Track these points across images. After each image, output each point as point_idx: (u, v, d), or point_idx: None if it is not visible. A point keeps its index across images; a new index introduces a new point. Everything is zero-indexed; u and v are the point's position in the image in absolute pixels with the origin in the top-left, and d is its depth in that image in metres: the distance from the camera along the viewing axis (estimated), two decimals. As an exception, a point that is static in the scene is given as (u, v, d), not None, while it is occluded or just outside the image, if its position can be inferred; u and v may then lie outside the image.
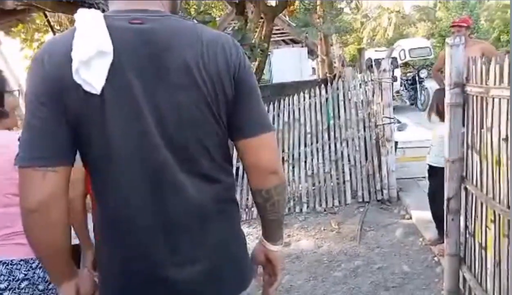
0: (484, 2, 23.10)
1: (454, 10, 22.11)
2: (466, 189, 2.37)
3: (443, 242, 2.79)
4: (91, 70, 0.87)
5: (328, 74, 7.28)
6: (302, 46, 12.66)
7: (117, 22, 0.92)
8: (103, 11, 0.98)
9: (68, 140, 0.91)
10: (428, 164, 3.38)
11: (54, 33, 5.28)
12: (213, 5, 12.72)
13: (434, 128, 3.36)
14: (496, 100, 1.92)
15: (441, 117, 3.04)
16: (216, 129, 0.98)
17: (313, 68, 14.30)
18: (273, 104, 5.03)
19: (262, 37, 5.52)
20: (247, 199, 4.90)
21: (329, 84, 5.23)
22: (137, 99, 0.91)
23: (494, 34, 16.46)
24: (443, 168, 2.66)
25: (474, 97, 2.19)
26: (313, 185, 4.89)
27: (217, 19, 10.76)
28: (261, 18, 5.66)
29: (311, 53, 12.65)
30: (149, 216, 0.95)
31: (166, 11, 1.00)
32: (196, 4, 5.21)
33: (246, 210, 4.87)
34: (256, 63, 5.72)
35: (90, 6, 3.05)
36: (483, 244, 2.16)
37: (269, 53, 10.89)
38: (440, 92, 3.23)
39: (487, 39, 16.56)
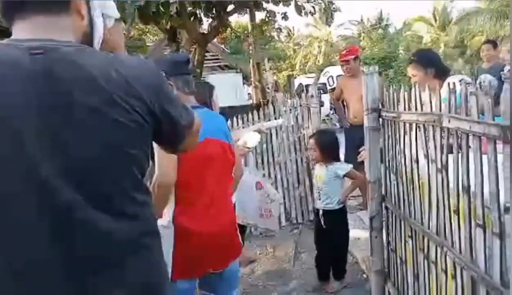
0: (402, 33, 25.34)
1: (376, 40, 23.97)
2: (386, 207, 2.52)
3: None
4: None
5: (261, 100, 7.46)
6: (237, 72, 12.92)
7: (14, 52, 0.86)
8: None
9: None
10: (319, 209, 3.13)
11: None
12: (147, 30, 12.61)
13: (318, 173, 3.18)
14: (407, 124, 2.09)
15: (324, 159, 3.06)
16: (131, 164, 0.95)
17: (249, 93, 14.61)
18: (207, 129, 5.02)
19: (195, 63, 5.55)
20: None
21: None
22: (32, 139, 0.84)
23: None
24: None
25: (389, 122, 2.36)
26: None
27: (150, 44, 10.67)
28: (194, 44, 5.71)
29: (246, 79, 12.95)
30: (48, 261, 0.87)
31: (77, 41, 0.95)
32: (126, 29, 5.11)
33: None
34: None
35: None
36: (403, 258, 2.30)
37: (203, 78, 10.92)
38: (322, 133, 3.36)
39: (405, 67, 18.10)
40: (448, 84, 1.60)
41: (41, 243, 0.86)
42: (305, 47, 29.11)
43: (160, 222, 1.47)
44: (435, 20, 23.38)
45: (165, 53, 5.33)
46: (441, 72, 2.60)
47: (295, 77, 17.71)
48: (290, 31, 30.51)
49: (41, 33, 0.90)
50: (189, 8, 4.88)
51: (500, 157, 1.29)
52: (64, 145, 0.86)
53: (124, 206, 0.95)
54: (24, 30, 0.91)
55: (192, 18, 5.33)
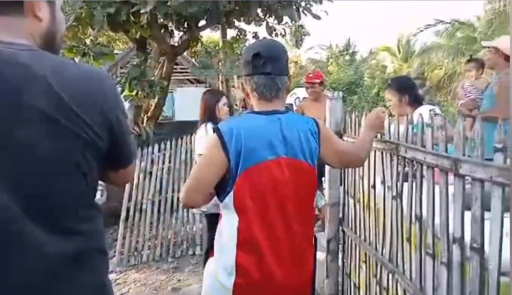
0: (367, 61, 26.33)
1: (343, 65, 24.72)
2: (343, 231, 2.54)
3: None
4: None
5: (229, 116, 7.45)
6: (206, 86, 12.88)
7: None
8: None
9: None
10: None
11: None
12: (116, 38, 12.38)
13: None
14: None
15: None
16: (78, 177, 0.90)
17: (217, 109, 14.55)
18: (171, 142, 4.94)
19: (163, 75, 5.49)
20: (137, 241, 4.63)
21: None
22: None
23: (374, 89, 18.77)
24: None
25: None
26: (208, 226, 4.83)
27: (119, 53, 10.48)
28: (163, 56, 5.65)
29: (215, 94, 12.92)
30: None
31: (34, 43, 0.91)
32: (93, 36, 5.00)
33: (136, 253, 4.59)
34: (155, 100, 5.63)
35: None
36: (357, 284, 2.32)
37: (171, 90, 10.80)
38: None
39: (369, 94, 18.76)
40: (406, 115, 1.65)
41: None
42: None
43: None
44: (399, 51, 24.48)
45: (133, 63, 5.23)
46: (415, 100, 2.65)
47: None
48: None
49: None
50: (160, 20, 4.85)
51: (450, 188, 1.34)
52: (9, 148, 0.81)
53: (67, 223, 0.89)
54: None
55: (163, 30, 5.29)
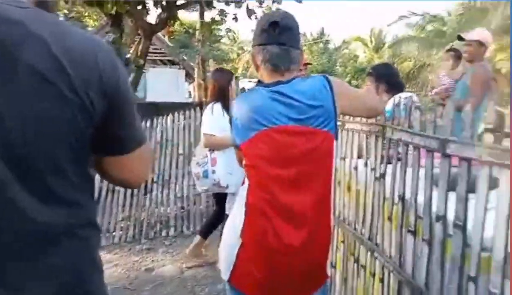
0: (340, 50, 26.67)
1: (317, 53, 24.96)
2: (322, 212, 2.60)
3: None
4: None
5: (203, 98, 7.38)
6: (180, 68, 12.66)
7: None
8: None
9: None
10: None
11: None
12: (87, 14, 11.91)
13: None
14: (350, 133, 2.18)
15: None
16: (74, 144, 0.86)
17: (189, 92, 14.37)
18: (145, 123, 4.85)
19: (138, 53, 5.33)
20: (109, 223, 4.56)
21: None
22: None
23: (347, 78, 19.11)
24: None
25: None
26: (182, 208, 4.81)
27: (91, 29, 10.10)
28: (139, 34, 5.48)
29: (189, 76, 12.73)
30: None
31: (28, 1, 0.87)
32: (67, 9, 4.78)
33: (107, 234, 4.51)
34: (130, 78, 5.48)
35: None
36: (334, 263, 2.39)
37: (144, 70, 10.54)
38: None
39: (342, 83, 19.03)
40: (394, 98, 1.70)
41: None
42: (249, 52, 29.42)
43: None
44: (371, 41, 24.92)
45: (108, 39, 5.04)
46: (393, 88, 2.69)
47: (238, 80, 17.88)
48: (235, 34, 30.68)
49: None
50: (138, -6, 4.70)
51: (436, 170, 1.40)
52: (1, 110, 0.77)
53: (59, 190, 0.87)
54: None
55: (140, 6, 5.13)
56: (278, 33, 1.37)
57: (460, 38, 3.53)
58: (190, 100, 12.27)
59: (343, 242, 2.28)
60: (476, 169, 1.16)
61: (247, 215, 1.41)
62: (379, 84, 2.70)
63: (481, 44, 3.28)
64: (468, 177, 1.19)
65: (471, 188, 1.20)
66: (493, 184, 1.10)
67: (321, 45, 27.50)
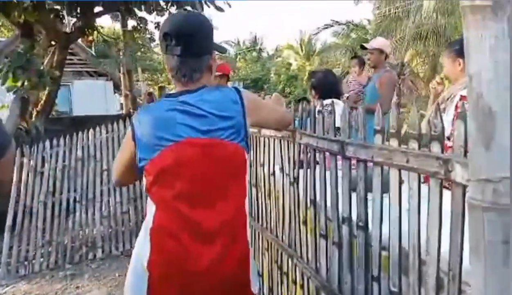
0: (273, 58, 27.24)
1: (251, 61, 25.26)
2: (247, 221, 2.56)
3: None
4: None
5: (132, 110, 7.10)
6: (107, 80, 12.13)
7: None
8: None
9: None
10: None
11: None
12: (0, 24, 11.03)
13: None
14: (267, 139, 2.17)
15: None
16: None
17: (121, 103, 13.83)
18: (64, 139, 4.52)
19: (53, 64, 4.98)
20: (27, 250, 4.17)
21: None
22: None
23: (280, 86, 19.55)
24: None
25: (252, 136, 2.42)
26: (110, 227, 4.53)
27: (2, 40, 9.32)
28: (52, 44, 5.13)
29: (117, 87, 12.24)
30: None
31: None
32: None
33: (26, 263, 4.12)
34: (46, 92, 5.10)
35: None
36: (260, 272, 2.35)
37: (68, 83, 9.95)
38: None
39: (275, 90, 19.48)
40: (303, 103, 1.70)
41: None
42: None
43: None
44: (302, 49, 25.75)
45: (18, 50, 4.64)
46: (326, 94, 2.72)
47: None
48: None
49: None
50: (49, 3, 4.37)
51: (340, 173, 1.41)
52: None
53: None
54: None
55: (52, 15, 4.79)
56: (174, 44, 1.29)
57: (362, 47, 3.84)
58: (121, 112, 11.79)
59: (267, 250, 2.25)
60: (371, 169, 1.18)
61: (153, 242, 1.28)
62: (312, 91, 2.86)
63: (381, 51, 3.61)
64: (365, 177, 1.21)
65: (371, 188, 1.21)
66: (386, 184, 1.11)
67: (254, 53, 27.92)
